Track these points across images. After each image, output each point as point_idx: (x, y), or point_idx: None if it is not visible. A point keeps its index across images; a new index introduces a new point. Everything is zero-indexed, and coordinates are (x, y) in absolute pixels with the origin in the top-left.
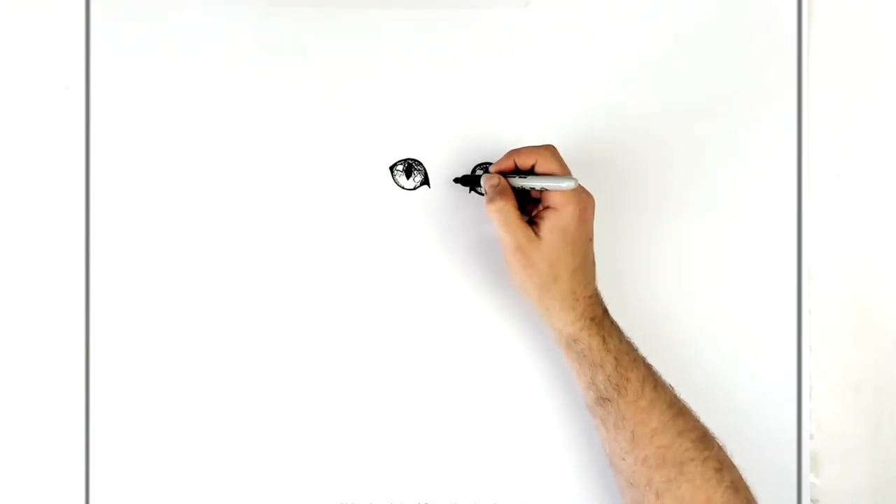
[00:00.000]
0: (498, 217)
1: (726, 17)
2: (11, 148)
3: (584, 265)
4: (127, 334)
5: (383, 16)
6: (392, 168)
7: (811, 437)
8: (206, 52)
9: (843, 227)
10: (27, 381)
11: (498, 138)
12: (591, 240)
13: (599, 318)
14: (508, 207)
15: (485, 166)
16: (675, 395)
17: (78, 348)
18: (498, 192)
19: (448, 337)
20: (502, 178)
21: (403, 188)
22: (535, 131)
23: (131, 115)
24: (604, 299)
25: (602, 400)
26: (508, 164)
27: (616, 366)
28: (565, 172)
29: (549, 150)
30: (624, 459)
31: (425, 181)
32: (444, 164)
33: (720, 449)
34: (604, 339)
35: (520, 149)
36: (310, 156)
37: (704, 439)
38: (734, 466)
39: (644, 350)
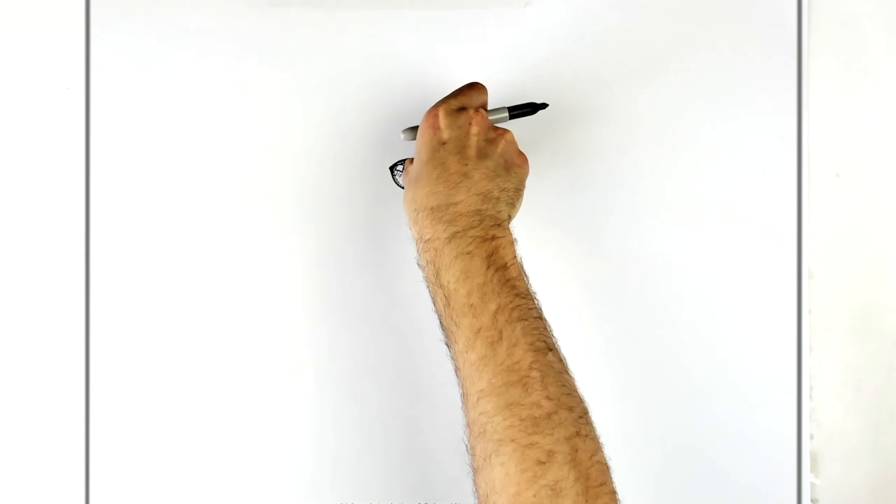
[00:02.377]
0: (424, 125)
1: (726, 17)
2: (11, 148)
3: (428, 172)
4: (127, 334)
5: (383, 16)
6: (392, 168)
7: (811, 437)
8: (206, 53)
9: (843, 227)
10: (27, 381)
11: None
12: (443, 143)
13: (441, 243)
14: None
15: None
16: (533, 362)
17: (78, 348)
18: (406, 163)
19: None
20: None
21: (403, 188)
22: (535, 131)
23: (131, 115)
24: (492, 226)
25: (445, 343)
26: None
27: (446, 306)
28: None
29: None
30: (464, 417)
31: None
32: None
33: (564, 439)
34: (437, 270)
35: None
36: (310, 156)
37: (542, 422)
38: (577, 465)
39: (643, 350)
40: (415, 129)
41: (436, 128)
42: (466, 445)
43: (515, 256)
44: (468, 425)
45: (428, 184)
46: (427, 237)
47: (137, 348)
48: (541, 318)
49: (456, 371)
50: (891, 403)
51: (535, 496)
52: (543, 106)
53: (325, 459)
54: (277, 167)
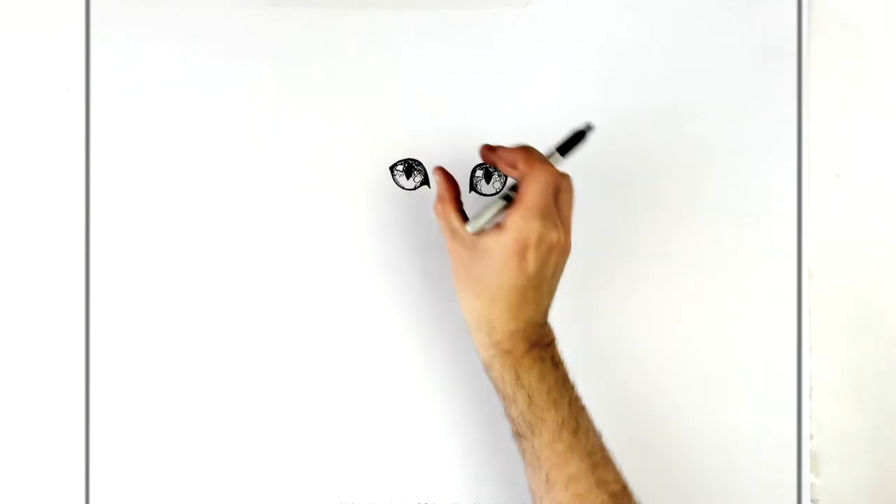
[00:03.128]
0: (442, 224)
1: (726, 18)
2: (11, 148)
3: (510, 300)
4: (127, 334)
5: (383, 16)
6: (392, 168)
7: (811, 437)
8: (206, 53)
9: (843, 227)
10: (27, 381)
11: (498, 138)
12: (528, 278)
13: (519, 354)
14: (451, 215)
15: (484, 166)
16: (600, 444)
17: (78, 348)
18: (440, 199)
19: (448, 336)
20: (443, 180)
21: (403, 188)
22: (536, 131)
23: (131, 115)
24: (550, 331)
25: (517, 435)
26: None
27: (529, 404)
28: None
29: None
30: (542, 500)
31: (425, 181)
32: (444, 164)
33: None
34: (517, 374)
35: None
36: (310, 156)
37: (622, 495)
38: None
39: (642, 350)
40: (481, 214)
41: (524, 257)
42: None
43: (561, 351)
44: None
45: (509, 310)
46: (506, 348)
47: (137, 348)
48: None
49: (533, 461)
50: (891, 403)
51: None
52: (589, 128)
53: (325, 459)
54: (277, 167)
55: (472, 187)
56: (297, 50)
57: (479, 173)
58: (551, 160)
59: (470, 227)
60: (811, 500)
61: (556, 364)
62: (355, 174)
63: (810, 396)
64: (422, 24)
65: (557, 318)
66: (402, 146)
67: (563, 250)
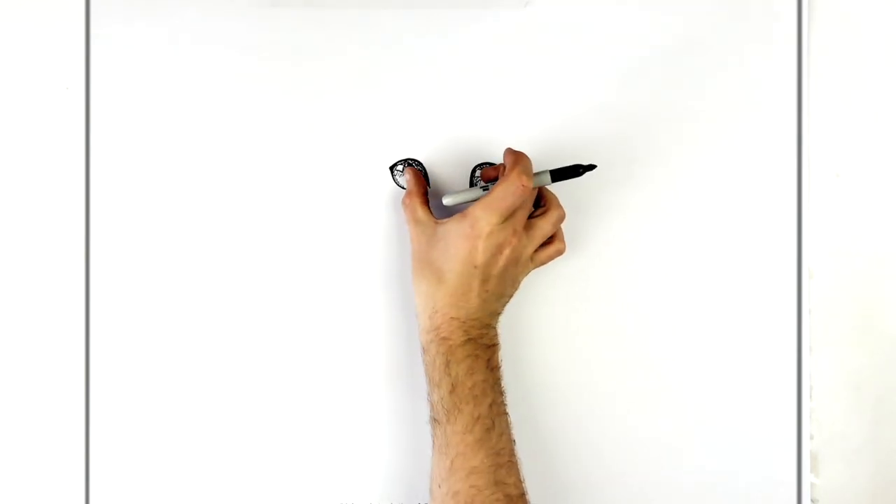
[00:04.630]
0: (406, 215)
1: (726, 17)
2: (11, 148)
3: (455, 285)
4: (127, 334)
5: (383, 16)
6: (392, 168)
7: (811, 437)
8: (206, 53)
9: (843, 227)
10: (27, 381)
11: (498, 138)
12: (476, 268)
13: (455, 344)
14: (415, 205)
15: (484, 166)
16: (510, 449)
17: (78, 348)
18: (408, 193)
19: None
20: (412, 177)
21: (403, 188)
22: (535, 131)
23: (131, 115)
24: (494, 336)
25: (433, 420)
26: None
27: (451, 391)
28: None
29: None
30: (440, 486)
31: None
32: (444, 164)
33: None
34: (448, 362)
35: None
36: (310, 156)
37: (518, 499)
38: None
39: (642, 350)
40: (459, 192)
41: (474, 246)
42: None
43: (500, 359)
44: (453, 495)
45: (453, 295)
46: (443, 335)
47: (137, 348)
48: (508, 413)
49: (441, 447)
50: (891, 403)
51: None
52: (591, 168)
53: (324, 459)
54: (277, 167)
55: (472, 186)
56: (297, 50)
57: (479, 173)
58: (541, 178)
59: (446, 199)
60: (811, 500)
61: (491, 368)
62: (355, 174)
63: (810, 396)
64: (422, 23)
65: (556, 319)
66: (402, 146)
67: (515, 255)
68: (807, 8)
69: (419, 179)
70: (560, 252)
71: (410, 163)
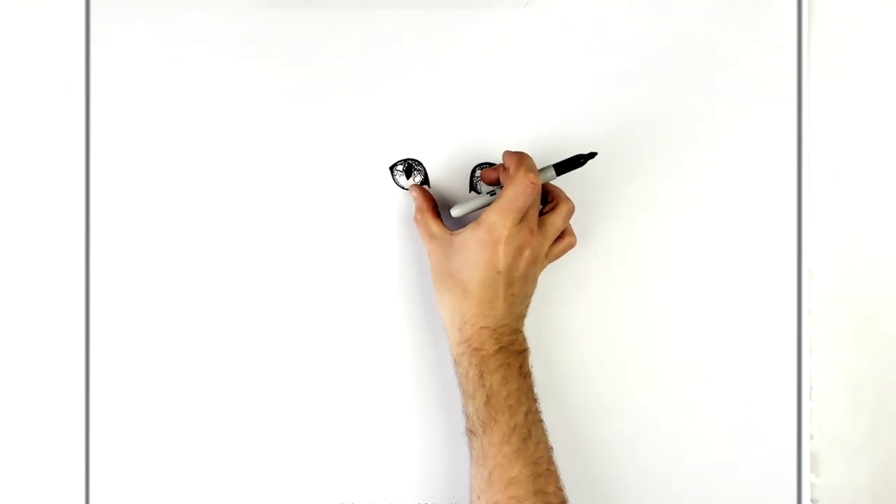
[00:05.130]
0: (420, 231)
1: (726, 18)
2: (11, 148)
3: (481, 294)
4: (127, 334)
5: (383, 16)
6: (392, 168)
7: (811, 437)
8: (206, 52)
9: (843, 227)
10: (27, 381)
11: (498, 139)
12: (499, 272)
13: (488, 354)
14: (427, 220)
15: (484, 166)
16: (548, 458)
17: (78, 348)
18: (417, 210)
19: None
20: (419, 194)
21: (403, 188)
22: (536, 131)
23: (131, 115)
24: (523, 341)
25: (469, 431)
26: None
27: (486, 402)
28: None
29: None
30: (479, 498)
31: (425, 181)
32: (444, 164)
33: None
34: (481, 373)
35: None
36: (310, 156)
37: None
38: None
39: (643, 350)
40: (466, 202)
41: (495, 251)
42: None
43: (531, 365)
44: None
45: (480, 304)
46: (475, 346)
47: (137, 348)
48: (543, 420)
49: (479, 458)
50: (891, 403)
51: None
52: (591, 156)
53: (325, 459)
54: (277, 167)
55: (472, 187)
56: (297, 49)
57: (479, 174)
58: (545, 173)
59: (454, 211)
60: (811, 500)
61: (524, 375)
62: (355, 174)
63: (810, 396)
64: (422, 23)
65: (555, 319)
66: (402, 146)
67: (534, 254)
68: (807, 8)
69: (426, 194)
70: (572, 245)
71: (410, 163)
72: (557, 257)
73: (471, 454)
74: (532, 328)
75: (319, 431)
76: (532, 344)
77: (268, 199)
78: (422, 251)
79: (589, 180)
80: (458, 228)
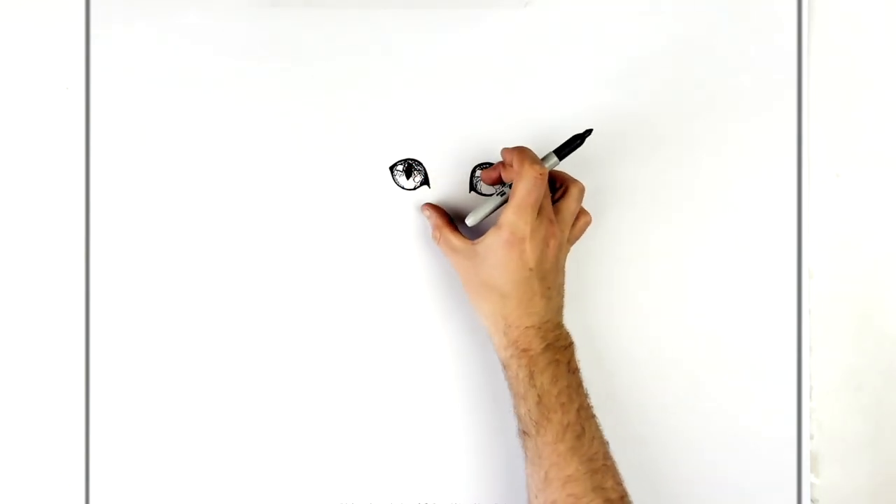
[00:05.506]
0: (443, 248)
1: (726, 18)
2: (11, 148)
3: (518, 294)
4: (127, 334)
5: (383, 16)
6: (392, 168)
7: (811, 437)
8: (206, 52)
9: (843, 227)
10: (27, 381)
11: (498, 138)
12: (531, 270)
13: (536, 353)
14: (447, 236)
15: (484, 166)
16: (604, 452)
17: (78, 348)
18: (434, 228)
19: (448, 337)
20: (433, 213)
21: (403, 188)
22: (536, 131)
23: (131, 115)
24: (567, 335)
25: (522, 433)
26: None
27: (538, 403)
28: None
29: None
30: (536, 497)
31: (425, 181)
32: (444, 164)
33: None
34: (531, 373)
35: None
36: (310, 156)
37: (620, 502)
38: None
39: (643, 350)
40: (477, 209)
41: (522, 250)
42: None
43: (578, 360)
44: None
45: (520, 305)
46: (523, 347)
47: (137, 348)
48: (595, 415)
49: (534, 458)
50: (891, 403)
51: None
52: (588, 133)
53: (325, 459)
54: (277, 167)
55: (472, 187)
56: (297, 50)
57: (479, 173)
58: (549, 161)
59: (469, 220)
60: (811, 500)
61: (572, 370)
62: (355, 174)
63: (810, 396)
64: (422, 23)
65: None
66: (402, 146)
67: (558, 242)
68: (807, 8)
69: (438, 210)
70: (588, 223)
71: (410, 163)
72: (578, 238)
73: (525, 455)
74: None
75: (315, 429)
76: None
77: (267, 198)
78: (422, 251)
79: (588, 181)
80: (475, 237)
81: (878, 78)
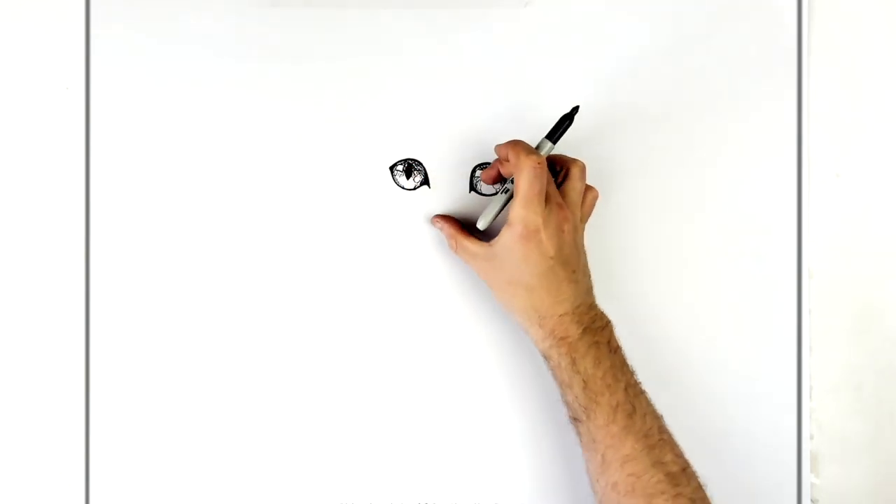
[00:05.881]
0: (462, 256)
1: (727, 17)
2: (11, 148)
3: (545, 284)
4: (127, 334)
5: (383, 16)
6: (392, 168)
7: (811, 437)
8: (206, 53)
9: (843, 227)
10: (27, 381)
11: (498, 138)
12: (552, 258)
13: (573, 339)
14: (463, 243)
15: (484, 166)
16: (659, 427)
17: (78, 348)
18: (449, 238)
19: (448, 337)
20: (445, 224)
21: (403, 188)
22: (536, 131)
23: (131, 115)
24: (602, 315)
25: (573, 419)
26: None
27: (584, 388)
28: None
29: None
30: (597, 481)
31: (425, 181)
32: (444, 164)
33: (697, 487)
34: (573, 360)
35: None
36: (310, 156)
37: (680, 475)
38: None
39: (643, 350)
40: (486, 212)
41: (538, 241)
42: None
43: (618, 337)
44: (612, 486)
45: (549, 294)
46: (560, 335)
47: (137, 348)
48: (645, 391)
49: (588, 443)
50: (891, 403)
51: None
52: (575, 110)
53: (325, 459)
54: (277, 167)
55: (472, 187)
56: (297, 50)
57: (479, 173)
58: (544, 148)
59: (480, 224)
60: (811, 500)
61: (613, 349)
62: (355, 174)
63: (810, 396)
64: (422, 23)
65: None
66: (402, 146)
67: (572, 225)
68: (807, 8)
69: (450, 220)
70: (596, 198)
71: (410, 163)
72: (590, 215)
73: (580, 440)
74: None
75: (315, 429)
76: (531, 346)
77: (267, 198)
78: (422, 251)
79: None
80: (488, 239)
81: (878, 78)
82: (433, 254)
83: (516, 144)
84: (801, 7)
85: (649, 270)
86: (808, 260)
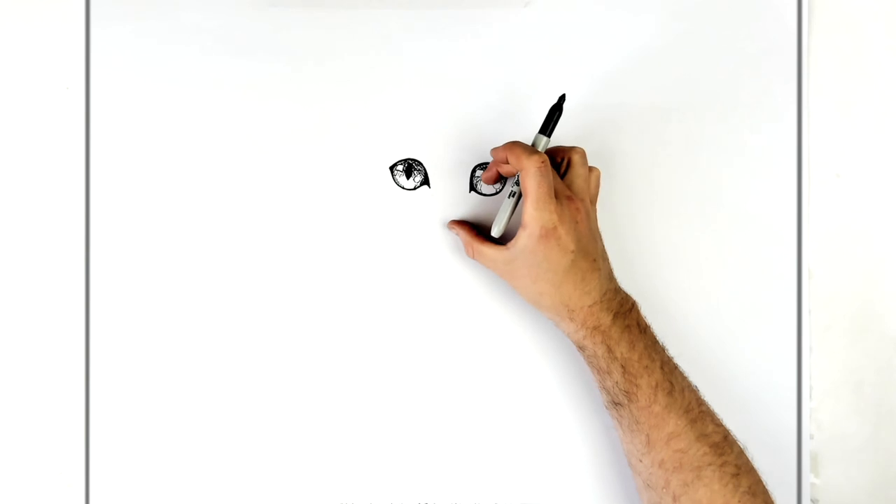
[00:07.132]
0: (480, 261)
1: (726, 17)
2: (11, 148)
3: (570, 279)
4: (127, 334)
5: (383, 16)
6: (392, 168)
7: (811, 437)
8: (206, 52)
9: (843, 227)
10: (27, 381)
11: (498, 139)
12: (573, 252)
13: (606, 327)
14: (480, 249)
15: (484, 166)
16: (697, 400)
17: (78, 348)
18: (466, 244)
19: (449, 337)
20: (460, 230)
21: (403, 188)
22: (536, 131)
23: (131, 115)
24: (627, 296)
25: (614, 404)
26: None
27: (623, 373)
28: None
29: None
30: (641, 461)
31: (425, 181)
32: (444, 164)
33: (740, 453)
34: (609, 347)
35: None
36: (310, 155)
37: (723, 444)
38: (754, 470)
39: None
40: (498, 219)
41: (557, 238)
42: (647, 483)
43: (645, 315)
44: (658, 464)
45: (576, 287)
46: (592, 325)
47: (137, 348)
48: (678, 365)
49: (631, 425)
50: (891, 403)
51: (739, 502)
52: (562, 99)
53: (325, 459)
54: (277, 167)
55: (472, 187)
56: (297, 49)
57: (479, 173)
58: (539, 143)
59: (494, 232)
60: (811, 500)
61: (643, 329)
62: (355, 174)
63: (810, 396)
64: (422, 23)
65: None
66: (402, 146)
67: (585, 214)
68: (807, 8)
69: (465, 226)
70: (599, 175)
71: (410, 163)
72: (597, 194)
73: (619, 424)
74: (537, 327)
75: (315, 429)
76: (539, 339)
77: (267, 198)
78: (422, 251)
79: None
80: (503, 241)
81: (878, 78)
82: (434, 254)
83: (514, 146)
84: (801, 7)
85: (649, 270)
86: (808, 260)
